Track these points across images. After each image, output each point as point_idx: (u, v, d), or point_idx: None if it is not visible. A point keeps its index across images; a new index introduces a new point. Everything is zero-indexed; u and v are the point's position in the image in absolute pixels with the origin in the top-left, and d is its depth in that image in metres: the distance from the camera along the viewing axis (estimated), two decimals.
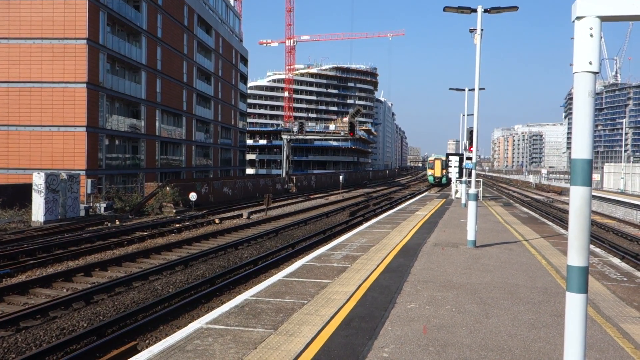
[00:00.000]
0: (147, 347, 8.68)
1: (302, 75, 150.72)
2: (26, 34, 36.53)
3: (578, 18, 3.63)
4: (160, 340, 8.37)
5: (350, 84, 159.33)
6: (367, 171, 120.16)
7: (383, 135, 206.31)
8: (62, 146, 36.57)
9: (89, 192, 31.29)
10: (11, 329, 9.95)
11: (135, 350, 8.69)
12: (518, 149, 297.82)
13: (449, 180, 64.25)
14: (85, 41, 36.35)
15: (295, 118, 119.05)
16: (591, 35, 3.62)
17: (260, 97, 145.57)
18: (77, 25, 36.36)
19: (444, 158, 65.09)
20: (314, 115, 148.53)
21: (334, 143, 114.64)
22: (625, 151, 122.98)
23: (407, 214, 23.44)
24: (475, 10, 15.87)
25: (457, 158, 35.49)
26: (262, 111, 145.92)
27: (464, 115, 35.24)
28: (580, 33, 3.64)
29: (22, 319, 10.34)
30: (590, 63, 3.64)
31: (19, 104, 36.81)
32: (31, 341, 9.34)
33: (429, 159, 72.72)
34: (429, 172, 70.81)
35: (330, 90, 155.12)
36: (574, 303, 3.78)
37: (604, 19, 3.62)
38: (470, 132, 21.10)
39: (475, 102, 16.33)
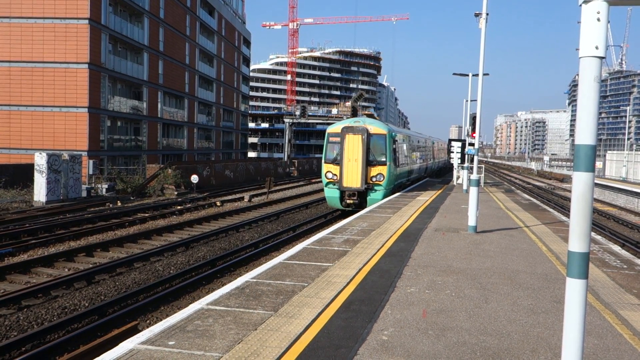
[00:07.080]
0: (148, 327, 8.76)
1: (305, 58, 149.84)
2: (27, 13, 36.28)
3: (585, 2, 3.57)
4: (161, 320, 8.43)
5: (354, 68, 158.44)
6: None
7: (385, 120, 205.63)
8: (64, 127, 36.54)
9: (90, 173, 31.33)
10: (13, 307, 10.03)
11: (136, 330, 8.75)
12: (521, 135, 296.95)
13: (392, 191, 25.21)
14: (87, 21, 36.11)
15: (298, 102, 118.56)
16: (598, 20, 3.56)
17: (263, 80, 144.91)
18: (78, 4, 36.10)
19: (379, 131, 22.96)
20: (317, 99, 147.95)
21: None
22: (629, 139, 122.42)
23: (408, 199, 23.43)
24: None
25: (459, 143, 35.43)
26: (265, 94, 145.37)
27: (467, 101, 35.04)
28: (587, 17, 3.59)
29: (24, 298, 10.42)
30: (597, 48, 3.58)
31: (21, 84, 36.70)
32: (33, 319, 9.42)
33: (328, 131, 23.60)
34: (325, 169, 23.08)
35: (333, 74, 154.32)
36: (574, 289, 3.78)
37: (612, 2, 3.56)
38: (473, 118, 21.06)
39: (479, 88, 16.22)
